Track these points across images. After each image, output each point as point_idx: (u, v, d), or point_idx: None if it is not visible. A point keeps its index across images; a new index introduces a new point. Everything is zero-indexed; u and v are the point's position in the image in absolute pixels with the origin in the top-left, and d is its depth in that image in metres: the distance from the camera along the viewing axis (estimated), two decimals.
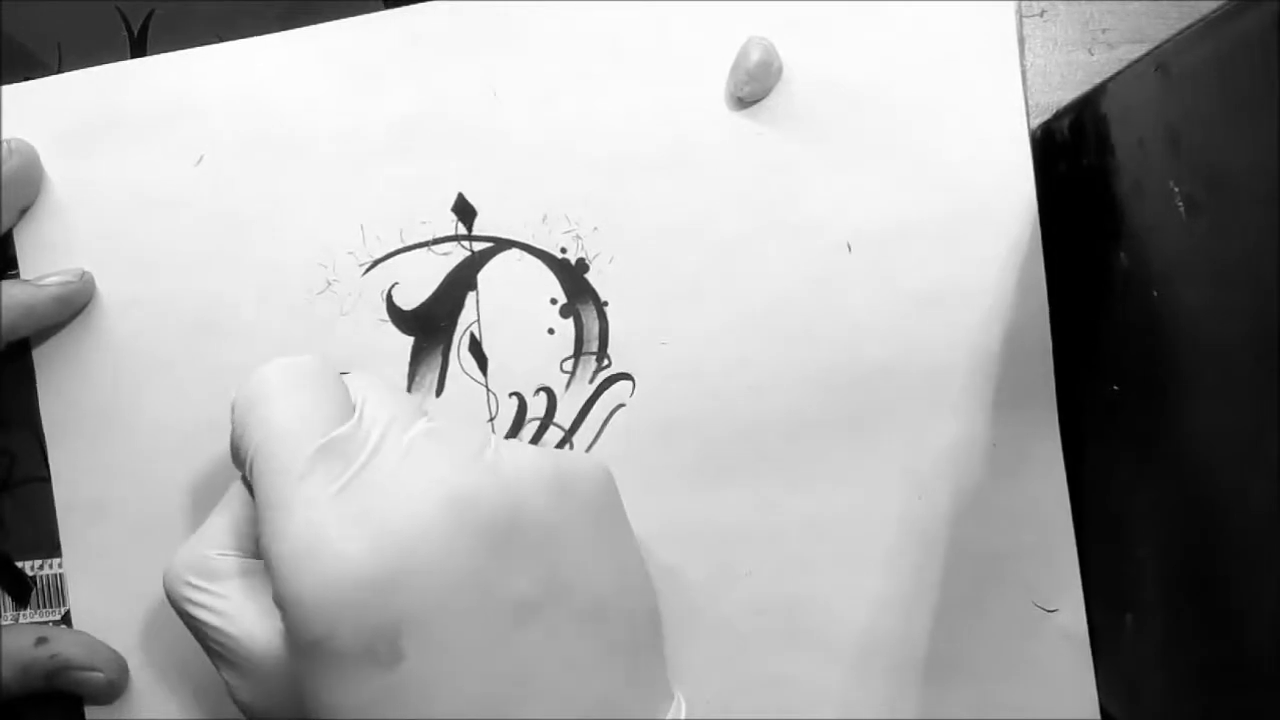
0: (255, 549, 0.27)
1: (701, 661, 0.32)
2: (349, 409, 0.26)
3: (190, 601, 0.26)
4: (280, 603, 0.24)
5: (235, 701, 0.26)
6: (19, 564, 0.33)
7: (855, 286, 0.31)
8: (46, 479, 0.33)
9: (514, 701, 0.24)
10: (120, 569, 0.33)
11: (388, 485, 0.24)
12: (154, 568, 0.32)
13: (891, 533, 0.31)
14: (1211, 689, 0.25)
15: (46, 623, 0.33)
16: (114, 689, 0.32)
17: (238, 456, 0.27)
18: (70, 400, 0.33)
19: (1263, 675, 0.23)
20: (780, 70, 0.31)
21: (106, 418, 0.32)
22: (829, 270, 0.31)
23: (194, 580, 0.26)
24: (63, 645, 0.31)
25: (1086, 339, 0.30)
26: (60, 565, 0.33)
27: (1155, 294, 0.26)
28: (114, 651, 0.32)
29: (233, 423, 0.27)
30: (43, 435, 0.33)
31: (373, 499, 0.24)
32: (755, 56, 0.30)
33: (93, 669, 0.32)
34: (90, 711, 0.33)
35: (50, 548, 0.33)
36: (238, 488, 0.28)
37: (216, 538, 0.27)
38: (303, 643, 0.24)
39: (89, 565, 0.33)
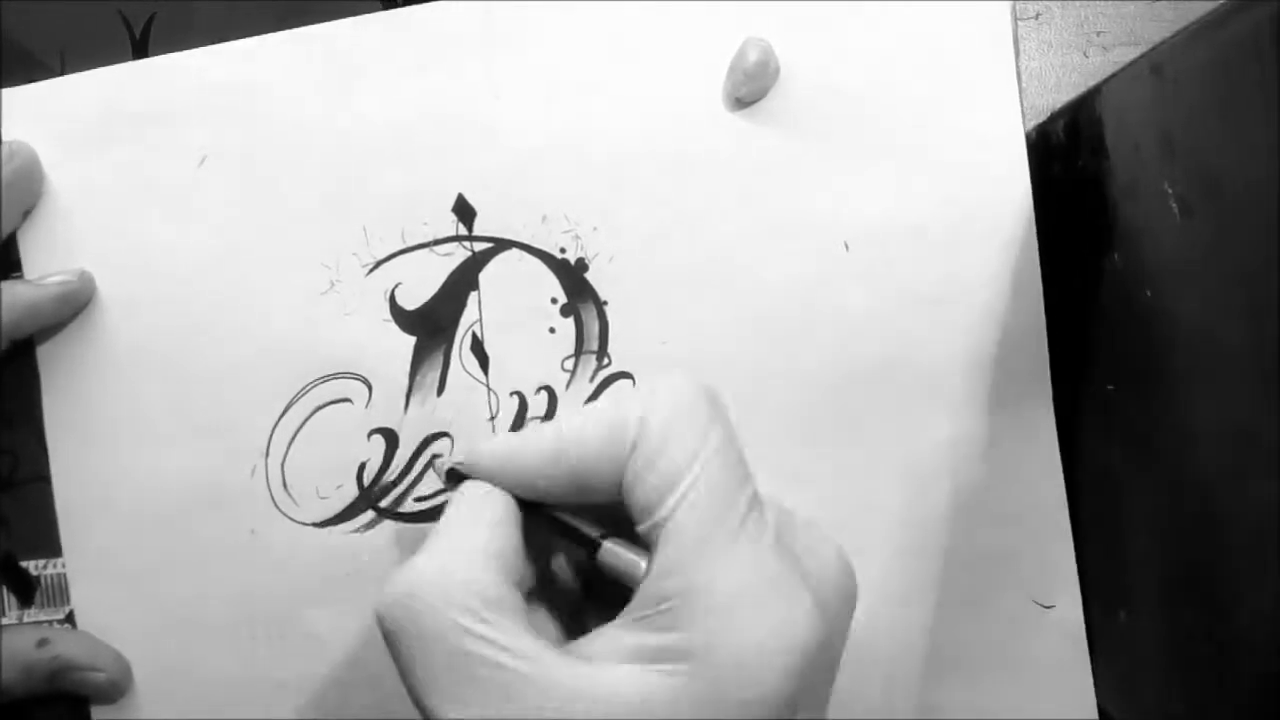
0: (528, 585, 0.25)
1: None
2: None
3: (470, 634, 0.22)
4: (693, 654, 0.21)
5: None
6: (23, 563, 0.33)
7: (853, 286, 0.31)
8: (49, 479, 0.33)
9: None
10: (122, 569, 0.33)
11: (801, 554, 0.24)
12: (156, 567, 0.33)
13: (889, 530, 0.32)
14: (1207, 685, 0.26)
15: (50, 622, 0.33)
16: (117, 689, 0.32)
17: (602, 463, 0.24)
18: (73, 400, 0.33)
19: (1258, 671, 0.23)
20: (778, 71, 0.31)
21: (109, 418, 0.32)
22: (827, 270, 0.31)
23: (479, 609, 0.22)
24: (64, 646, 0.31)
25: (1082, 339, 0.30)
26: (63, 565, 0.33)
27: (1149, 294, 0.26)
28: (116, 651, 0.32)
29: (639, 442, 0.23)
30: (45, 435, 0.33)
31: (801, 569, 0.23)
32: (753, 57, 0.31)
33: (95, 669, 0.32)
34: (96, 711, 0.33)
35: (54, 547, 0.33)
36: (497, 506, 0.25)
37: (488, 564, 0.23)
38: (720, 701, 0.21)
39: (91, 565, 0.33)
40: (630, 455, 0.23)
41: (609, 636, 0.23)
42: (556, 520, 0.25)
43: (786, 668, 0.21)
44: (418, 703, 0.23)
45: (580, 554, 0.25)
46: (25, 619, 0.33)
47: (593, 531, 0.25)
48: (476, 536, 0.24)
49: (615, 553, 0.24)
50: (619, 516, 0.24)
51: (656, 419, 0.23)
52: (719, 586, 0.22)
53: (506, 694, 0.22)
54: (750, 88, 0.31)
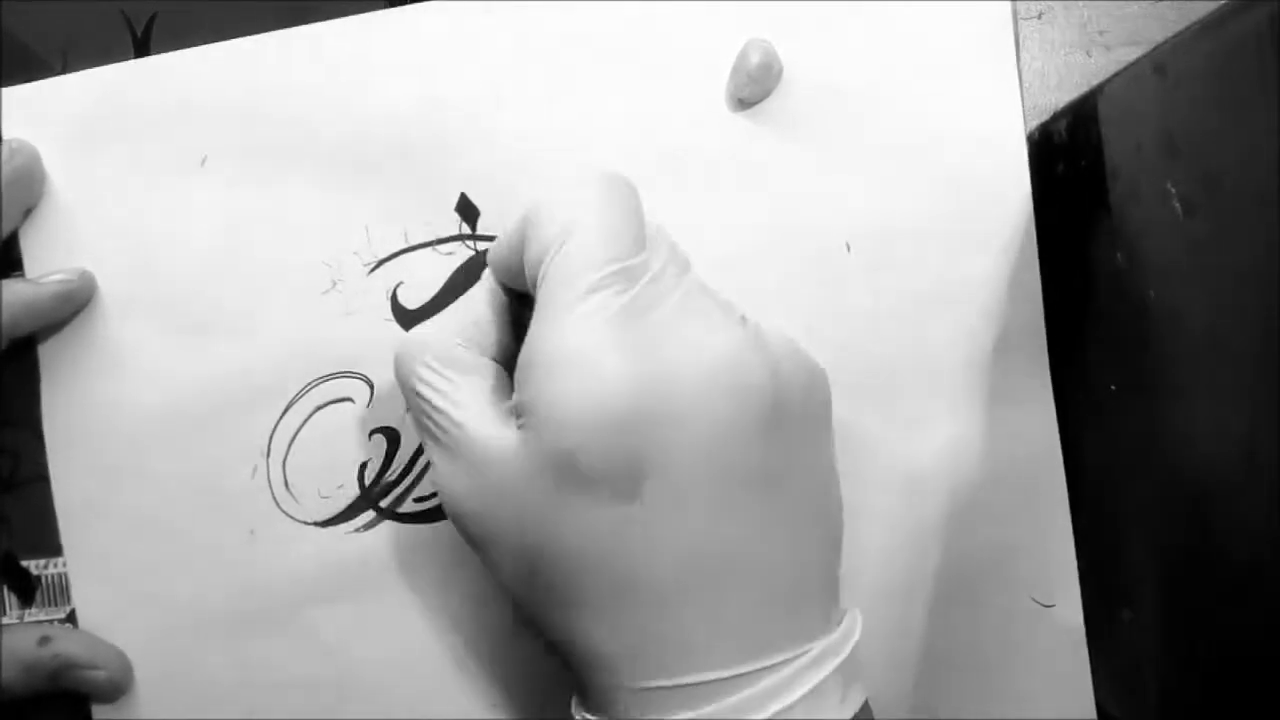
0: (494, 352, 0.28)
1: None
2: (643, 239, 0.26)
3: (422, 380, 0.26)
4: (530, 407, 0.24)
5: (440, 489, 0.26)
6: (24, 563, 0.33)
7: (854, 286, 0.31)
8: (50, 478, 0.33)
9: (727, 575, 0.24)
10: (123, 568, 0.33)
11: (669, 325, 0.24)
12: (157, 567, 0.33)
13: (889, 529, 0.32)
14: (1208, 685, 0.26)
15: (51, 622, 0.33)
16: (118, 687, 0.32)
17: (513, 262, 0.27)
18: (73, 400, 0.33)
19: (1258, 671, 0.23)
20: (780, 72, 0.31)
21: (109, 417, 0.33)
22: (828, 270, 0.31)
23: (431, 362, 0.26)
24: (65, 644, 0.32)
25: (1084, 339, 0.30)
26: (64, 565, 0.33)
27: (1151, 294, 0.26)
28: (117, 650, 0.32)
29: (528, 214, 0.26)
30: (44, 435, 0.33)
31: (651, 333, 0.24)
32: (755, 59, 0.31)
33: (96, 667, 0.32)
34: (97, 711, 0.33)
35: (54, 547, 0.33)
36: (484, 289, 0.28)
37: (459, 330, 0.27)
38: (547, 451, 0.23)
39: (91, 565, 0.33)
40: (526, 235, 0.26)
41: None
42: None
43: (591, 420, 0.23)
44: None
45: None
46: (26, 619, 0.33)
47: None
48: (454, 310, 0.28)
49: None
50: None
51: (543, 199, 0.26)
52: (544, 348, 0.24)
53: (444, 434, 0.26)
54: (753, 89, 0.31)
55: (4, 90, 0.32)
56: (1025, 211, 0.31)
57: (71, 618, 0.33)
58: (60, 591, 0.33)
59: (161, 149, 0.32)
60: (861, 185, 0.31)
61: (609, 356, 0.23)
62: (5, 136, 0.32)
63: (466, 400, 0.26)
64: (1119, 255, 0.28)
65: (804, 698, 0.23)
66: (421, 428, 0.27)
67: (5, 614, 0.33)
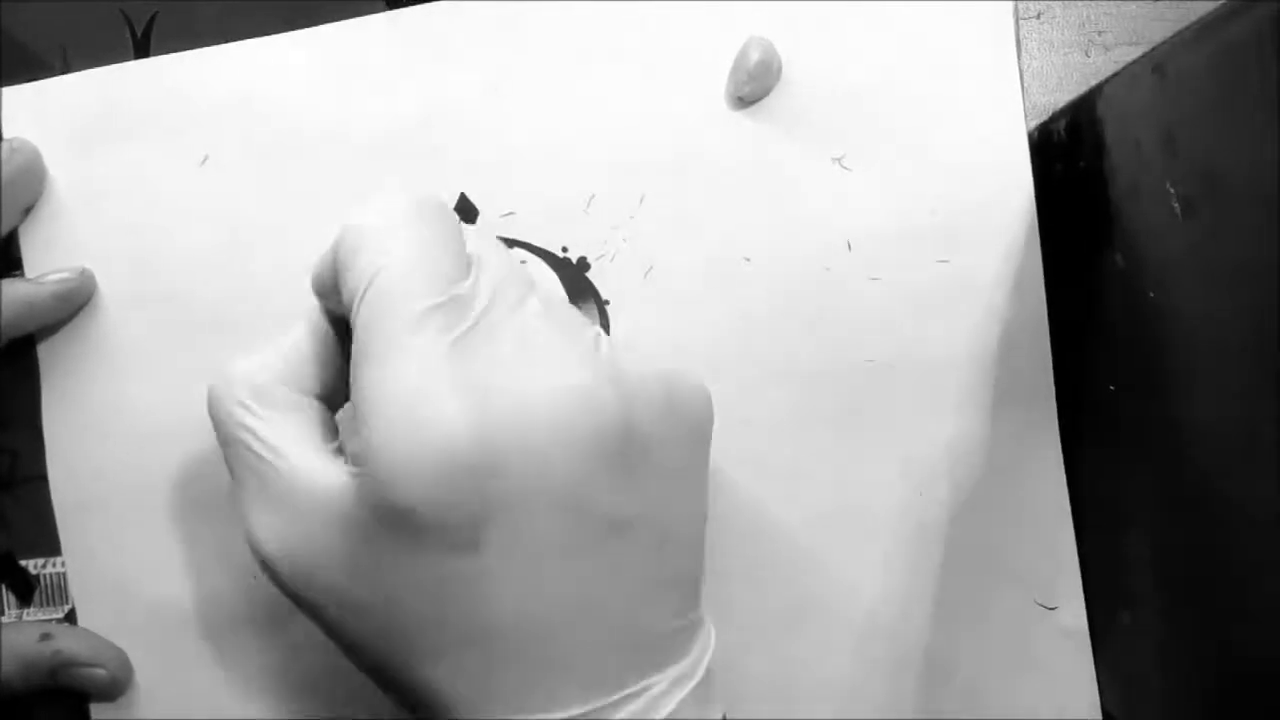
0: (314, 389, 0.25)
1: None
2: (466, 264, 0.24)
3: (241, 425, 0.24)
4: (364, 458, 0.22)
5: (256, 541, 0.24)
6: (22, 562, 0.33)
7: (855, 285, 0.31)
8: (48, 477, 0.33)
9: (569, 621, 0.23)
10: (121, 567, 0.33)
11: (505, 363, 0.22)
12: (155, 566, 0.33)
13: (891, 531, 0.32)
14: (1210, 687, 0.26)
15: (50, 621, 0.33)
16: (117, 685, 0.32)
17: (335, 286, 0.24)
18: (73, 399, 0.33)
19: (1262, 673, 0.23)
20: (780, 70, 0.31)
21: (108, 416, 0.33)
22: (829, 269, 0.31)
23: (249, 402, 0.24)
24: (66, 642, 0.32)
25: (1083, 339, 0.30)
26: (63, 564, 0.33)
27: (1151, 295, 0.26)
28: (117, 648, 0.32)
29: (338, 247, 0.24)
30: (44, 434, 0.33)
31: (487, 374, 0.22)
32: (755, 56, 0.31)
33: (96, 665, 0.32)
34: (96, 710, 0.33)
35: (53, 546, 0.33)
36: (305, 320, 0.26)
37: (276, 368, 0.25)
38: (380, 503, 0.22)
39: (90, 564, 0.33)
40: (340, 263, 0.24)
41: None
42: None
43: (431, 472, 0.21)
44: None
45: None
46: (24, 618, 0.33)
47: None
48: (277, 345, 0.26)
49: None
50: None
51: (352, 226, 0.24)
52: (371, 393, 0.22)
53: (262, 480, 0.24)
54: (752, 87, 0.31)
55: (5, 89, 0.32)
56: (1028, 210, 0.31)
57: (70, 617, 0.33)
58: (59, 591, 0.33)
59: (162, 149, 0.32)
60: (862, 184, 0.31)
61: (443, 401, 0.21)
62: (6, 135, 0.32)
63: (287, 444, 0.24)
64: (1118, 255, 0.28)
65: None
66: (236, 473, 0.24)
67: (4, 613, 0.33)
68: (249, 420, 0.24)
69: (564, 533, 0.22)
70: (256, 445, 0.24)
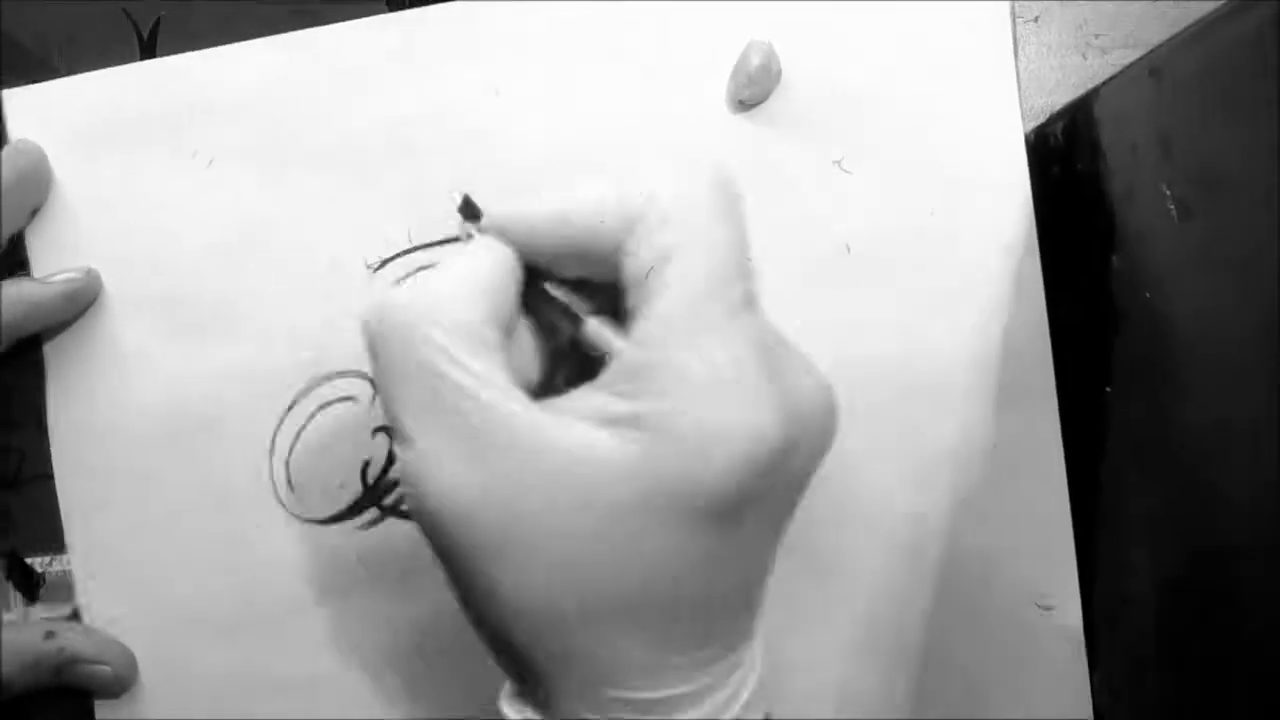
0: (499, 328, 0.23)
1: None
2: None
3: (442, 350, 0.22)
4: (663, 431, 0.21)
5: (440, 484, 0.22)
6: (28, 560, 0.33)
7: (854, 288, 0.31)
8: (54, 476, 0.33)
9: (742, 602, 0.24)
10: (127, 566, 0.33)
11: (780, 356, 0.23)
12: (160, 565, 0.33)
13: (890, 532, 0.32)
14: (1207, 687, 0.26)
15: (55, 619, 0.33)
16: (122, 683, 0.32)
17: (589, 230, 0.23)
18: (79, 399, 0.33)
19: (1259, 673, 0.23)
20: (779, 74, 0.31)
21: (114, 415, 0.33)
22: (828, 272, 0.31)
23: (464, 335, 0.22)
24: (71, 639, 0.32)
25: (1080, 340, 0.30)
26: (68, 562, 0.33)
27: (1148, 295, 0.26)
28: (122, 645, 0.32)
29: (629, 208, 0.23)
30: (50, 433, 0.33)
31: (777, 366, 0.22)
32: (756, 60, 0.31)
33: (101, 662, 0.32)
34: (100, 710, 0.33)
35: (59, 544, 0.33)
36: (497, 258, 0.24)
37: (478, 305, 0.23)
38: (678, 479, 0.21)
39: (95, 562, 0.33)
40: (633, 225, 0.23)
41: (578, 397, 0.23)
42: (547, 293, 0.25)
43: (741, 456, 0.21)
44: (393, 419, 0.23)
45: (564, 334, 0.25)
46: (30, 616, 0.33)
47: (583, 307, 0.25)
48: (475, 273, 0.23)
49: (600, 330, 0.24)
50: (615, 307, 0.24)
51: (665, 194, 0.23)
52: (693, 365, 0.21)
53: (474, 426, 0.22)
54: (752, 90, 0.31)
55: (12, 91, 0.32)
56: (1025, 213, 0.31)
57: (75, 615, 0.33)
58: (64, 589, 0.33)
59: (167, 150, 0.32)
60: (861, 187, 0.31)
61: (761, 390, 0.21)
62: (12, 137, 0.32)
63: (507, 389, 0.22)
64: (1115, 257, 0.28)
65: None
66: (426, 412, 0.22)
67: (9, 611, 0.33)
68: (458, 350, 0.22)
69: (784, 518, 0.24)
70: (472, 385, 0.22)
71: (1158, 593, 0.28)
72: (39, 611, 0.33)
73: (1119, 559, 0.30)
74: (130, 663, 0.32)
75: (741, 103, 0.31)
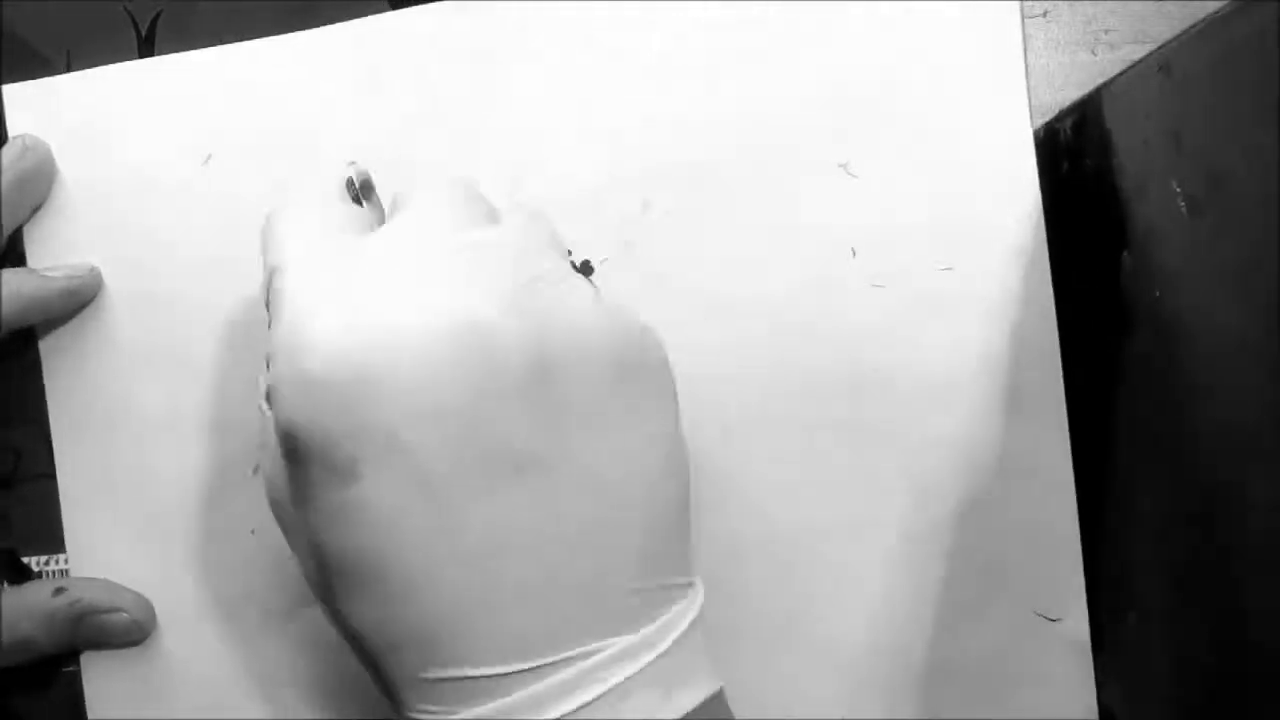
0: None
1: None
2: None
3: None
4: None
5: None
6: (25, 559, 0.33)
7: (859, 290, 0.31)
8: (52, 475, 0.33)
9: (478, 558, 0.21)
10: (124, 566, 0.33)
11: (399, 285, 0.22)
12: (158, 564, 0.33)
13: (894, 538, 0.31)
14: (1216, 690, 0.25)
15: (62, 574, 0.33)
16: (141, 628, 0.32)
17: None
18: (77, 397, 0.33)
19: (1268, 676, 0.23)
20: None
21: (112, 414, 0.33)
22: (833, 274, 0.31)
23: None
24: (81, 591, 0.31)
25: (1089, 340, 0.30)
26: (66, 561, 0.33)
27: (1159, 294, 0.26)
28: (133, 591, 0.32)
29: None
30: (49, 432, 0.33)
31: (373, 294, 0.22)
32: None
33: (116, 610, 0.31)
34: (92, 710, 0.33)
35: (56, 544, 0.33)
36: None
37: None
38: (277, 427, 0.22)
39: (92, 561, 0.33)
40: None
41: None
42: None
43: (300, 389, 0.21)
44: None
45: None
46: None
47: None
48: None
49: None
50: None
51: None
52: (272, 300, 0.23)
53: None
54: None
55: (9, 87, 0.33)
56: (1033, 211, 0.30)
57: None
58: None
59: (165, 148, 0.32)
60: (867, 188, 0.31)
61: (317, 317, 0.21)
62: (12, 133, 0.32)
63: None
64: (1124, 255, 0.27)
65: (602, 697, 0.21)
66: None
67: None
68: None
69: (457, 466, 0.21)
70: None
71: (1167, 596, 0.27)
72: None
73: (1128, 562, 0.29)
74: (145, 606, 0.32)
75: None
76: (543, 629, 0.22)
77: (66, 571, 0.33)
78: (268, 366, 0.23)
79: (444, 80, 0.32)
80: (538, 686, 0.21)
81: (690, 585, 0.24)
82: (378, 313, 0.21)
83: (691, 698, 0.22)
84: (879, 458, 0.31)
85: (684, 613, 0.23)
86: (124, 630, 0.32)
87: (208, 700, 0.33)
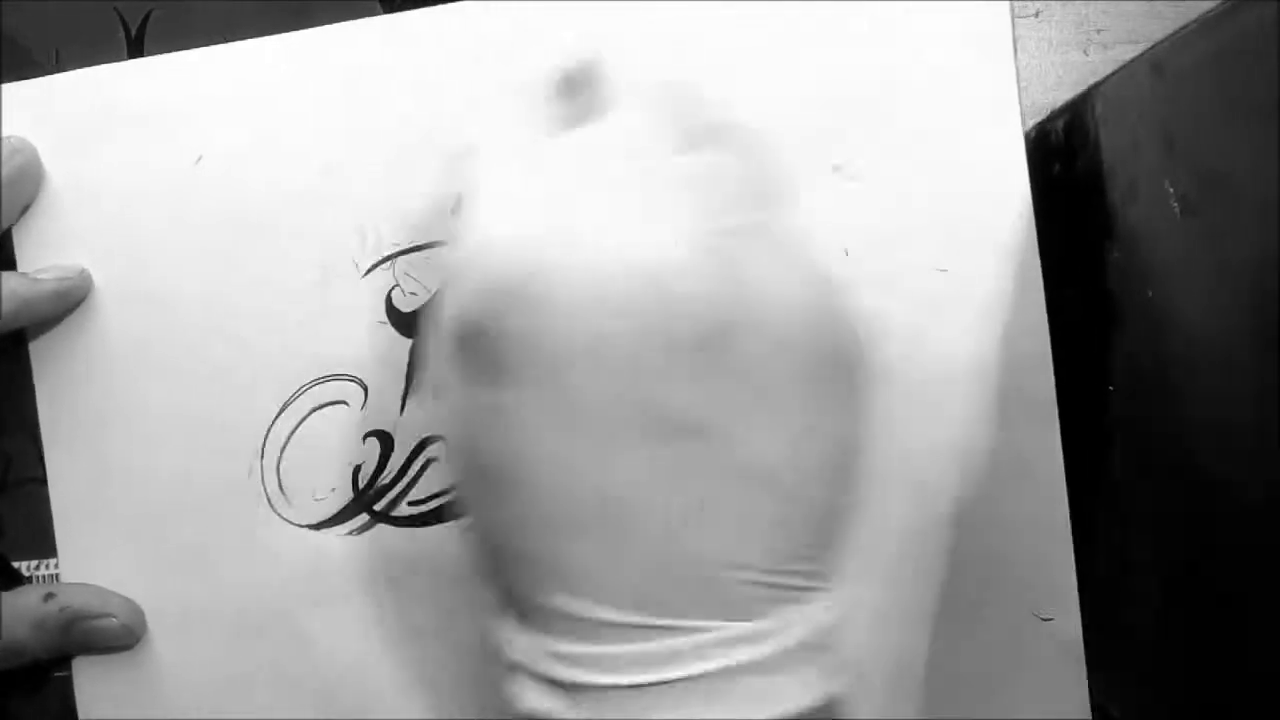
0: None
1: None
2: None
3: None
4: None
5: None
6: (15, 564, 0.33)
7: (852, 291, 0.31)
8: (43, 480, 0.33)
9: (607, 510, 0.21)
10: (116, 570, 0.32)
11: (590, 212, 0.21)
12: (150, 569, 0.32)
13: (889, 539, 0.31)
14: (1209, 691, 0.25)
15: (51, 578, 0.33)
16: (132, 633, 0.32)
17: None
18: (67, 401, 0.33)
19: (1261, 677, 0.23)
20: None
21: (104, 418, 0.32)
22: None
23: None
24: (71, 596, 0.31)
25: (1081, 339, 0.30)
26: (56, 566, 0.33)
27: (1150, 294, 0.26)
28: (123, 596, 0.32)
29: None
30: (39, 436, 0.33)
31: (561, 216, 0.21)
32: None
33: (106, 615, 0.31)
34: (84, 709, 0.32)
35: (47, 549, 0.33)
36: None
37: None
38: (445, 319, 0.22)
39: (84, 565, 0.33)
40: None
41: None
42: None
43: (477, 281, 0.21)
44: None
45: None
46: None
47: None
48: None
49: None
50: None
51: None
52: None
53: None
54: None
55: (8, 86, 0.32)
56: (1024, 211, 0.30)
57: None
58: None
59: (156, 148, 0.32)
60: (859, 188, 0.31)
61: (504, 217, 0.21)
62: (6, 132, 0.32)
63: None
64: (1117, 254, 0.27)
65: (705, 676, 0.20)
66: None
67: None
68: None
69: (609, 411, 0.20)
70: None
71: (1160, 595, 0.27)
72: None
73: (1120, 561, 0.29)
74: (135, 611, 0.32)
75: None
76: (658, 592, 0.21)
77: (58, 576, 0.33)
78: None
79: (436, 83, 0.32)
80: (647, 645, 0.21)
81: (824, 591, 0.23)
82: (559, 229, 0.21)
83: (795, 703, 0.21)
84: (873, 457, 0.31)
85: (810, 616, 0.22)
86: (114, 635, 0.32)
87: (199, 704, 0.33)
